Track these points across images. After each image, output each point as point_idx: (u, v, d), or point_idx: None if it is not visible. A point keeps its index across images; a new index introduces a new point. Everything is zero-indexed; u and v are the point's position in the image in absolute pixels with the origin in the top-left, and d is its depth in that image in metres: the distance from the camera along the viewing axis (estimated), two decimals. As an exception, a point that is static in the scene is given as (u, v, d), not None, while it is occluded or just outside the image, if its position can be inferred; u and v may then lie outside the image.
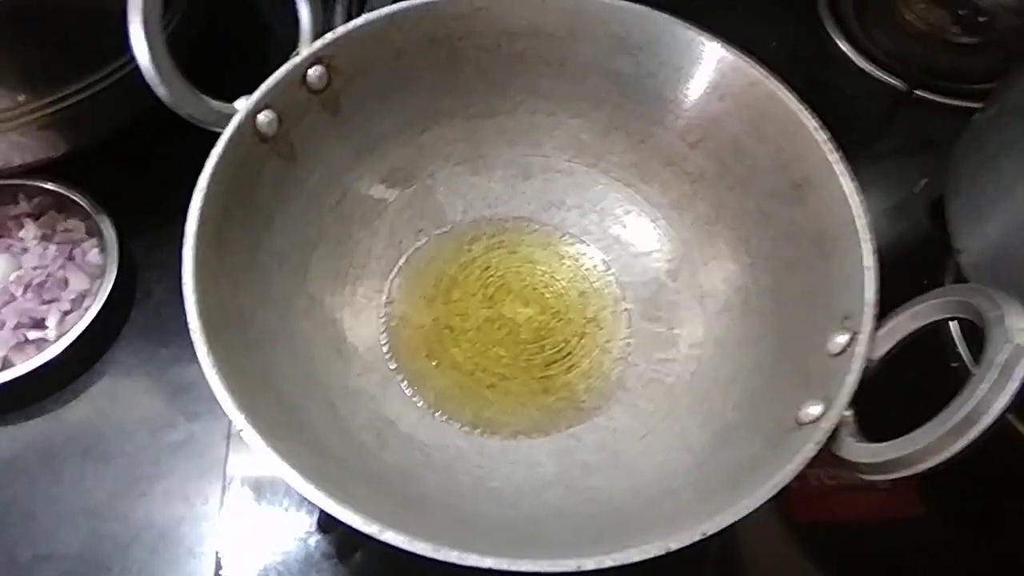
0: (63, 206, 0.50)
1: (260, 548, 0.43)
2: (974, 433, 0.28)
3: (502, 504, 0.37)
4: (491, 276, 0.47)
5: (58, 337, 0.46)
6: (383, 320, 0.45)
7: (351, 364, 0.42)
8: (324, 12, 0.44)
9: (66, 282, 0.48)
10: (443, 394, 0.43)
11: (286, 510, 0.44)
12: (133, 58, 0.47)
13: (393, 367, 0.43)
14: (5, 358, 0.46)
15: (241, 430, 0.31)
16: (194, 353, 0.48)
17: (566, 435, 0.42)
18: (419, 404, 0.42)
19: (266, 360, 0.37)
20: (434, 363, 0.44)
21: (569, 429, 0.42)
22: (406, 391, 0.43)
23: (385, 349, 0.44)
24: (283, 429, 0.33)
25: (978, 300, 0.31)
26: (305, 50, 0.41)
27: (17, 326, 0.46)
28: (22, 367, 0.45)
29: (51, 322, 0.47)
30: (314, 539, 0.43)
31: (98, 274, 0.49)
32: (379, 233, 0.46)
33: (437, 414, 0.42)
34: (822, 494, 0.45)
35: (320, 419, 0.37)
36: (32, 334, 0.46)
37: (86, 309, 0.47)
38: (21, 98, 0.45)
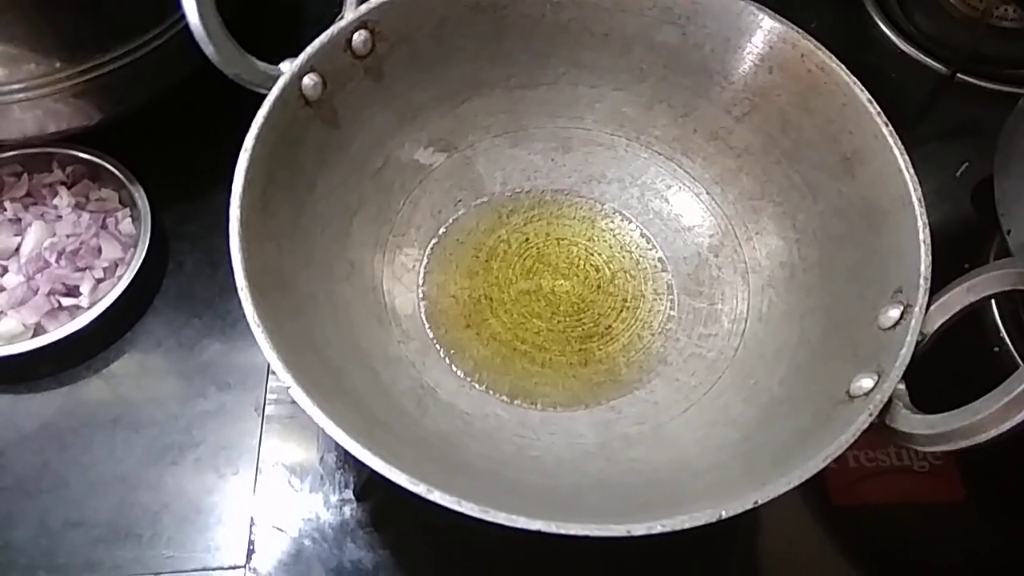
0: (96, 175, 0.50)
1: (294, 516, 0.43)
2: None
3: (544, 473, 0.37)
4: (529, 248, 0.46)
5: (91, 304, 0.46)
6: (422, 289, 0.44)
7: (391, 331, 0.42)
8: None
9: (99, 250, 0.48)
10: (482, 364, 0.42)
11: (320, 479, 0.43)
12: (169, 27, 0.48)
13: (432, 336, 0.43)
14: (38, 324, 0.46)
15: (290, 390, 0.30)
16: (226, 324, 0.49)
17: (606, 407, 0.41)
18: (458, 373, 0.42)
19: (309, 323, 0.37)
20: (473, 333, 0.43)
21: (609, 402, 0.41)
22: (445, 360, 0.42)
23: (424, 318, 0.43)
24: (329, 390, 0.33)
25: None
26: (350, 14, 0.40)
27: (51, 292, 0.46)
28: (55, 333, 0.45)
29: (84, 289, 0.47)
30: (349, 508, 0.43)
31: (131, 243, 0.49)
32: (419, 202, 0.46)
33: (476, 384, 0.42)
34: (861, 477, 0.45)
35: (363, 384, 0.37)
36: (65, 301, 0.46)
37: (119, 277, 0.47)
38: (58, 64, 0.45)
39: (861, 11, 0.65)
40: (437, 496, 0.29)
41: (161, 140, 0.52)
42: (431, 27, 0.43)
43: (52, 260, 0.47)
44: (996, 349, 0.49)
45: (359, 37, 0.41)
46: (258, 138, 0.36)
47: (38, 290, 0.46)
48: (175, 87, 0.50)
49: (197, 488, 0.43)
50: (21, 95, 0.45)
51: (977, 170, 0.56)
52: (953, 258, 0.51)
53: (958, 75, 0.60)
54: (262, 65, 0.39)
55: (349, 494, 0.43)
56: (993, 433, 0.29)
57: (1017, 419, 0.28)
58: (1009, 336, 0.48)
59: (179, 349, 0.48)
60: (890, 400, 0.32)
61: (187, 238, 0.51)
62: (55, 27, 0.44)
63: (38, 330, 0.46)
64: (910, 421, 0.31)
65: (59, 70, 0.45)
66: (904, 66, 0.62)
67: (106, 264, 0.48)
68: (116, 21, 0.46)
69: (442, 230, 0.46)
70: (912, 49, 0.62)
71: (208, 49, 0.37)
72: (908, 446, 0.31)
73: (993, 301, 0.50)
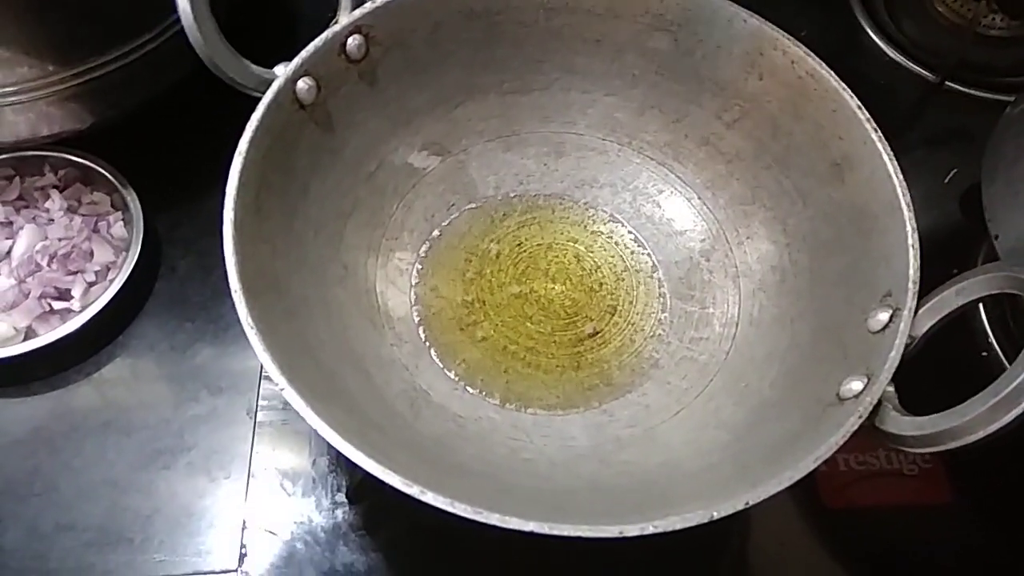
0: (88, 179, 0.50)
1: (286, 520, 0.42)
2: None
3: (537, 476, 0.37)
4: (522, 252, 0.47)
5: (83, 308, 0.46)
6: (415, 292, 0.44)
7: (384, 334, 0.42)
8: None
9: (91, 254, 0.48)
10: (475, 367, 0.42)
11: (313, 482, 0.43)
12: (163, 31, 0.48)
13: (425, 339, 0.43)
14: (29, 328, 0.46)
15: (284, 392, 0.30)
16: (218, 328, 0.49)
17: (598, 411, 0.41)
18: (451, 376, 0.42)
19: (303, 326, 0.37)
20: (466, 336, 0.43)
21: (601, 405, 0.42)
22: (438, 363, 0.42)
23: (417, 321, 0.43)
24: (322, 393, 0.33)
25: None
26: (344, 18, 0.41)
27: (42, 296, 0.46)
28: (47, 336, 0.44)
29: (76, 292, 0.47)
30: (341, 511, 0.43)
31: (123, 247, 0.49)
32: (412, 206, 0.46)
33: (469, 387, 0.42)
34: (851, 480, 0.45)
35: (356, 386, 0.37)
36: (57, 304, 0.46)
37: (111, 281, 0.47)
38: (51, 68, 0.45)
39: (851, 18, 0.66)
40: (430, 497, 0.29)
41: (154, 144, 0.52)
42: (425, 32, 0.43)
43: (44, 263, 0.47)
44: (984, 354, 0.49)
45: (353, 41, 0.41)
46: (252, 141, 0.36)
47: (29, 293, 0.46)
48: (168, 91, 0.50)
49: (189, 492, 0.43)
50: (13, 98, 0.45)
51: (965, 176, 0.56)
52: (942, 263, 0.51)
53: (946, 83, 0.61)
54: (256, 69, 0.39)
55: (342, 497, 0.43)
56: (981, 434, 0.29)
57: (1004, 420, 0.28)
58: (997, 341, 0.49)
59: (171, 353, 0.48)
60: (879, 402, 0.32)
61: (180, 242, 0.51)
62: (48, 30, 0.44)
63: (29, 334, 0.45)
64: (899, 423, 0.31)
65: (52, 73, 0.45)
66: (893, 73, 0.63)
67: (98, 268, 0.48)
68: (110, 24, 0.46)
69: (435, 234, 0.46)
70: (901, 56, 0.63)
71: (203, 52, 0.37)
72: (897, 447, 0.32)
73: (981, 307, 0.50)
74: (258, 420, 0.46)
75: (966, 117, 0.60)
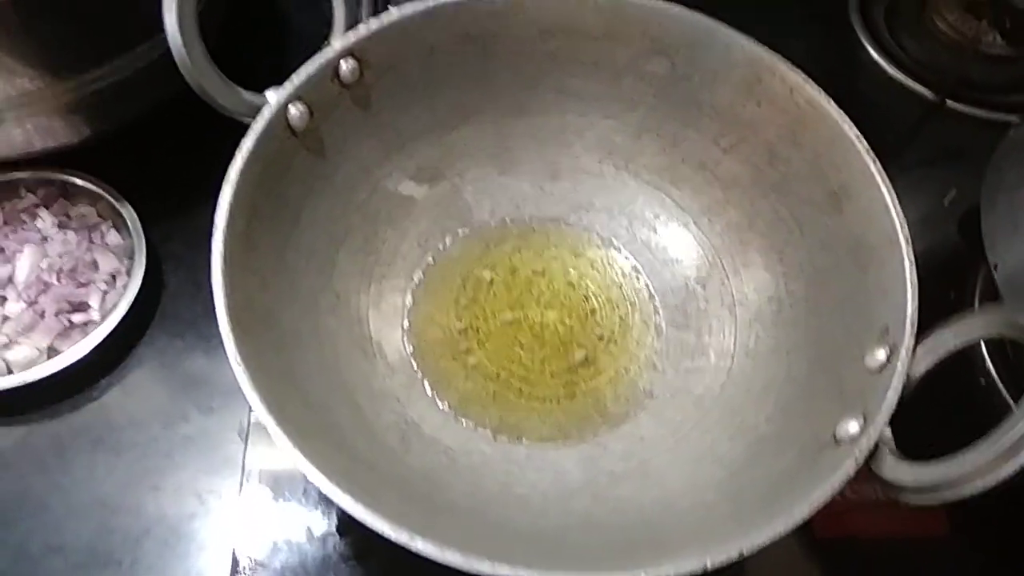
0: (68, 193, 0.50)
1: (277, 548, 0.42)
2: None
3: (529, 512, 0.37)
4: (516, 278, 0.46)
5: (104, 317, 0.45)
6: (408, 320, 0.44)
7: (376, 364, 0.41)
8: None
9: (95, 264, 0.48)
10: (467, 397, 0.42)
11: (304, 509, 0.43)
12: (155, 45, 0.47)
13: (417, 368, 0.43)
14: (51, 347, 0.45)
15: (270, 431, 0.30)
16: (209, 346, 0.48)
17: (592, 443, 0.41)
18: (443, 407, 0.41)
19: (292, 359, 0.36)
20: (459, 365, 0.43)
21: (596, 437, 0.41)
22: (430, 393, 0.42)
23: (410, 350, 0.43)
24: (311, 429, 0.32)
25: (1026, 319, 0.30)
26: (338, 43, 0.40)
27: (59, 312, 0.45)
28: (73, 353, 0.44)
29: (93, 302, 0.46)
30: (332, 540, 0.42)
31: (123, 253, 0.48)
32: (406, 231, 0.45)
33: (462, 418, 0.41)
34: (845, 509, 0.44)
35: (346, 420, 0.36)
36: (77, 317, 0.46)
37: (124, 287, 0.46)
38: (43, 81, 0.44)
39: (850, 34, 0.65)
40: (419, 545, 0.29)
41: (145, 157, 0.51)
42: (420, 55, 0.43)
43: (53, 280, 0.46)
44: (983, 381, 0.48)
45: (347, 66, 0.40)
46: (242, 171, 0.36)
47: (44, 313, 0.45)
48: (159, 104, 0.50)
49: (179, 514, 0.43)
50: (6, 111, 0.44)
51: (965, 198, 0.56)
52: (940, 287, 0.52)
53: (947, 102, 0.60)
54: (247, 94, 0.38)
55: (332, 526, 0.43)
56: (980, 486, 0.28)
57: (1003, 474, 0.28)
58: (995, 368, 0.48)
59: (161, 371, 0.47)
60: (876, 445, 0.32)
61: (170, 258, 0.51)
62: (42, 43, 0.43)
63: (51, 352, 0.45)
64: (896, 469, 0.31)
65: (45, 87, 0.44)
66: (892, 91, 0.62)
67: (106, 276, 0.47)
68: (103, 38, 0.45)
69: (429, 259, 0.46)
70: (901, 75, 0.62)
71: (191, 78, 0.37)
72: (893, 496, 0.31)
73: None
74: (249, 441, 0.45)
75: (966, 137, 0.60)
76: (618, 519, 0.36)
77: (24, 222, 0.49)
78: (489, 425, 0.41)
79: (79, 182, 0.49)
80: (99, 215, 0.50)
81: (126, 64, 0.46)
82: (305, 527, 0.42)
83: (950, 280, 0.53)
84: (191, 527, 0.43)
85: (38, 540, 0.42)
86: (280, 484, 0.44)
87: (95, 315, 0.46)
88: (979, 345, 0.49)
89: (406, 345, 0.43)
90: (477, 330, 0.44)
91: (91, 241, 0.49)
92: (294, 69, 0.39)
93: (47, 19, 0.43)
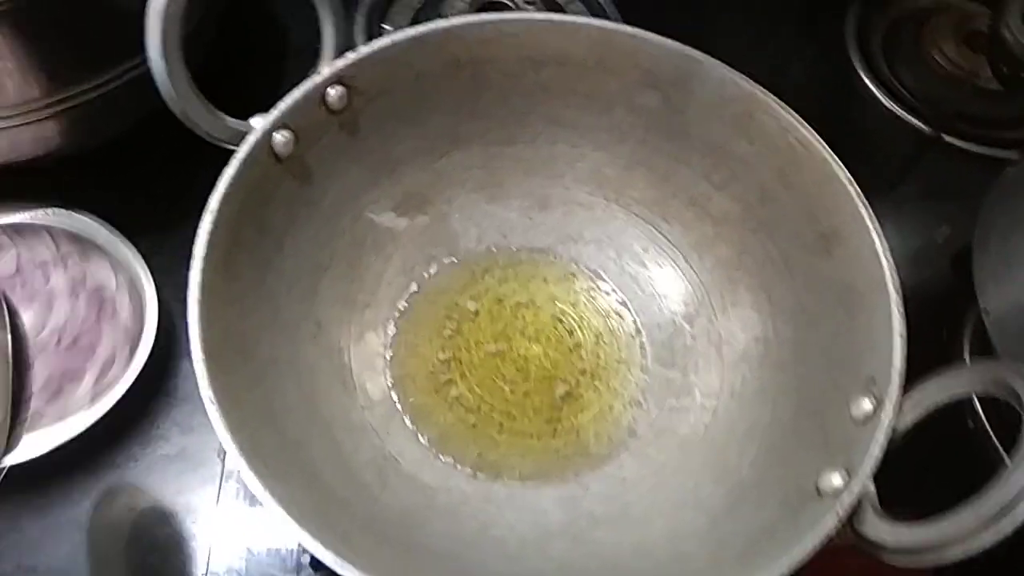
0: (88, 253, 0.48)
1: (253, 569, 0.41)
2: (1009, 526, 0.27)
3: (506, 555, 0.36)
4: (502, 310, 0.45)
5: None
6: (390, 350, 0.43)
7: (355, 397, 0.41)
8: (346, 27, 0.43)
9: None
10: (448, 432, 0.41)
11: (280, 536, 0.42)
12: (141, 62, 0.47)
13: (397, 399, 0.42)
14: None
15: (243, 475, 0.29)
16: (190, 364, 0.47)
17: (574, 483, 0.40)
18: (423, 442, 0.41)
19: (269, 391, 0.36)
20: (440, 399, 0.42)
21: (577, 476, 0.41)
22: (409, 426, 0.41)
23: (391, 382, 0.42)
24: (284, 468, 0.32)
25: (1015, 380, 0.30)
26: (326, 69, 0.39)
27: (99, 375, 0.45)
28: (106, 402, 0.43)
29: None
30: (307, 556, 0.41)
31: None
32: (391, 259, 0.45)
33: (441, 454, 0.41)
34: (826, 552, 0.44)
35: (322, 456, 0.36)
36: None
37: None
38: (31, 94, 0.44)
39: (846, 63, 0.64)
40: (389, 594, 0.28)
41: (135, 169, 0.51)
42: (409, 82, 0.42)
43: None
44: (971, 424, 0.48)
45: (335, 92, 0.40)
46: (224, 199, 0.35)
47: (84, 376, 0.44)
48: (149, 117, 0.49)
49: (156, 536, 0.42)
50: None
51: (959, 236, 0.55)
52: (932, 325, 0.51)
53: (943, 136, 0.60)
54: (232, 121, 0.38)
55: (307, 560, 0.42)
56: (962, 552, 0.28)
57: (987, 541, 0.27)
58: (983, 411, 0.48)
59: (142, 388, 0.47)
60: (860, 501, 0.32)
61: (157, 271, 0.49)
62: (28, 57, 0.43)
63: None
64: (877, 528, 0.30)
65: (33, 100, 0.44)
66: (888, 123, 0.61)
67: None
68: (89, 52, 0.45)
69: (413, 287, 0.45)
70: (897, 107, 0.62)
71: (175, 106, 0.36)
72: (873, 555, 0.31)
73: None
74: (227, 463, 0.44)
75: (962, 172, 0.59)
76: (595, 565, 0.36)
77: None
78: (469, 462, 0.41)
79: (100, 242, 0.48)
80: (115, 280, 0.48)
81: (113, 78, 0.46)
82: (280, 557, 0.42)
83: (942, 318, 0.52)
84: (166, 549, 0.42)
85: (11, 560, 0.41)
86: (257, 511, 0.43)
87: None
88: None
89: (387, 376, 0.42)
90: (460, 361, 0.44)
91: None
92: (292, 84, 0.39)
93: (33, 34, 0.42)
